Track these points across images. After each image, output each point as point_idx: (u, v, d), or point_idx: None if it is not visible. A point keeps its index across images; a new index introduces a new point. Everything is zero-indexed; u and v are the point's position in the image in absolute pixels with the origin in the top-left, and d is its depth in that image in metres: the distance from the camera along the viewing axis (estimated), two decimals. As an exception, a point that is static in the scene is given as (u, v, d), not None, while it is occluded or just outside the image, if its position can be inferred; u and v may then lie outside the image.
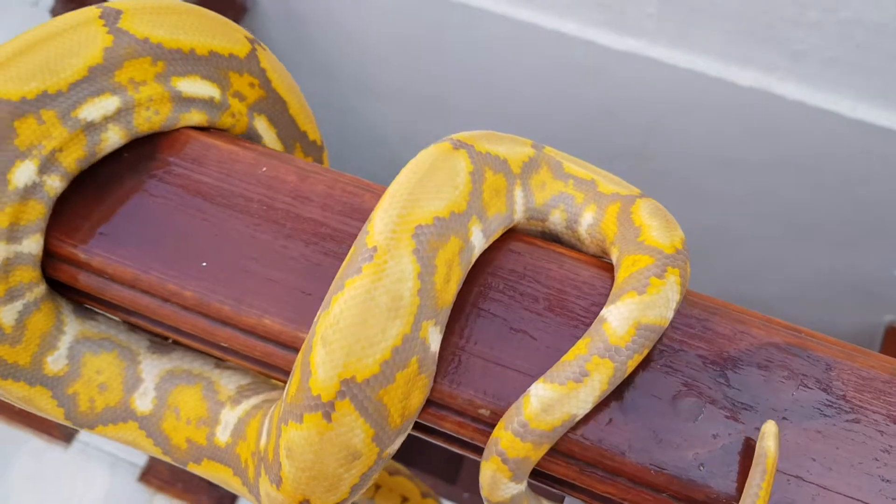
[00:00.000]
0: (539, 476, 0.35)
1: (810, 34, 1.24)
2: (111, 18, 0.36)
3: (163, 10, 0.38)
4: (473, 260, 0.34)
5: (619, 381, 0.32)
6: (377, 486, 0.80)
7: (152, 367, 0.40)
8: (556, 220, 0.37)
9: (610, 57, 1.35)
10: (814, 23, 1.23)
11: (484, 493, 0.33)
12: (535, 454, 0.32)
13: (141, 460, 1.36)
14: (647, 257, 0.33)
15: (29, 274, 0.36)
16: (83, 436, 1.41)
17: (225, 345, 0.37)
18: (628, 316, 0.31)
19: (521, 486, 0.33)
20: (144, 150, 0.39)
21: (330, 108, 1.64)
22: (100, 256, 0.37)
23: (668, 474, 0.32)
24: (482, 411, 0.33)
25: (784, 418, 0.32)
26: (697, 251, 1.63)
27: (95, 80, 0.36)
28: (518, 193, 0.35)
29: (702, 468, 0.32)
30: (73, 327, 0.38)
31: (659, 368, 0.33)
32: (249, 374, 0.41)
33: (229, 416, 0.39)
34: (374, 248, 0.30)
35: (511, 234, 0.37)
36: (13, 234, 0.35)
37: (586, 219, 0.36)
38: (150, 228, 0.37)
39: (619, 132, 1.47)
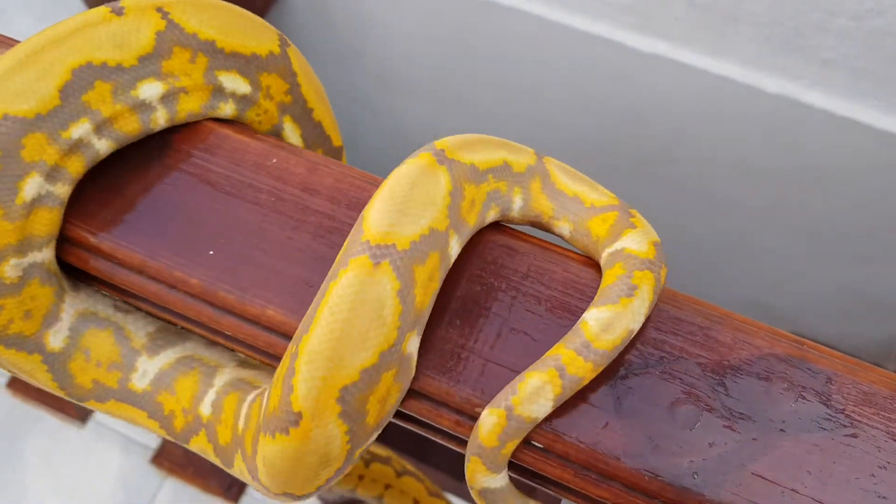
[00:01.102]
0: (535, 477, 0.35)
1: (839, 43, 1.23)
2: (283, 42, 0.42)
3: (312, 75, 0.43)
4: (414, 366, 0.33)
5: (659, 292, 0.33)
6: (416, 502, 0.80)
7: (70, 306, 0.40)
8: (491, 217, 0.36)
9: (637, 60, 1.35)
10: (843, 31, 1.22)
11: (515, 400, 0.32)
12: (590, 376, 0.32)
13: (154, 442, 1.37)
14: (609, 213, 0.35)
15: (78, 165, 0.36)
16: (98, 416, 1.43)
17: (228, 333, 0.37)
18: (641, 239, 0.33)
19: (544, 413, 0.32)
20: (162, 139, 0.40)
21: (352, 100, 1.65)
22: (109, 241, 0.38)
23: (661, 481, 0.32)
24: (479, 410, 0.34)
25: (782, 430, 0.32)
26: (716, 258, 1.62)
27: (251, 63, 0.40)
28: (453, 244, 0.33)
29: (696, 476, 0.32)
30: (46, 252, 0.37)
31: (658, 375, 0.33)
32: (152, 320, 0.42)
33: (148, 365, 0.41)
34: (300, 414, 0.30)
35: (514, 233, 0.37)
36: (102, 128, 0.36)
37: (517, 203, 0.36)
38: (160, 215, 0.38)
39: (644, 136, 1.47)
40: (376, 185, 0.38)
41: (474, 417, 0.34)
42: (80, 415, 1.41)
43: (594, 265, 0.36)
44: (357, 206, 0.38)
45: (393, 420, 0.37)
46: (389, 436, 0.82)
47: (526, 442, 0.33)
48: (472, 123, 1.60)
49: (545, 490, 0.36)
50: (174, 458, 1.34)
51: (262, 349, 0.37)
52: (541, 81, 1.48)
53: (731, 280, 1.61)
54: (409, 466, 0.80)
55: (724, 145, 1.45)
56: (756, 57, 1.31)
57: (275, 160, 0.39)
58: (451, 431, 0.35)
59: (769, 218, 1.49)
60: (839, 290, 1.50)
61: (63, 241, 0.38)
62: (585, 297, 0.35)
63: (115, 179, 0.39)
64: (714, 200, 1.55)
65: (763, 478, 0.31)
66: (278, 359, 0.37)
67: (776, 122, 1.36)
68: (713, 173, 1.50)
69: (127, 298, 0.40)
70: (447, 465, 1.45)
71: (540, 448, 0.33)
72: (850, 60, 1.25)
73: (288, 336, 0.36)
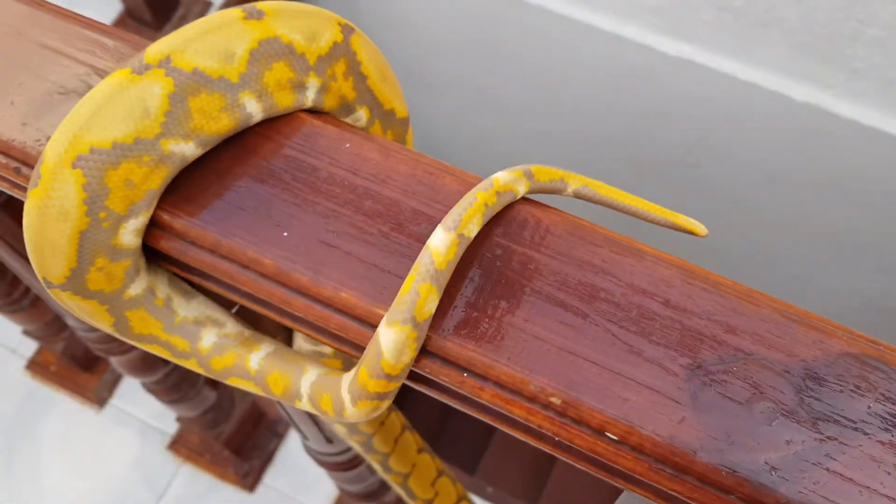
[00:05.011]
0: (605, 470, 0.35)
1: (871, 53, 1.22)
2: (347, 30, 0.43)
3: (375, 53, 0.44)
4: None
5: None
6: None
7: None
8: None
9: (664, 63, 1.34)
10: (874, 41, 1.21)
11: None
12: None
13: (171, 428, 1.37)
14: None
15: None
16: (116, 400, 1.43)
17: (300, 315, 0.37)
18: None
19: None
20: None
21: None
22: (182, 219, 0.38)
23: (739, 476, 0.32)
24: (553, 399, 0.34)
25: (860, 429, 0.32)
26: (735, 264, 1.62)
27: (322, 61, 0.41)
28: None
29: (773, 473, 0.32)
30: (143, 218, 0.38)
31: (734, 371, 0.33)
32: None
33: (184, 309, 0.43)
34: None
35: (586, 227, 0.37)
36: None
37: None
38: (234, 195, 0.38)
39: (668, 139, 1.46)
40: (450, 173, 0.38)
41: (547, 406, 0.34)
42: (98, 399, 1.41)
43: (670, 259, 0.36)
44: (429, 193, 0.38)
45: (464, 410, 0.37)
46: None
47: (599, 433, 0.34)
48: (496, 120, 1.60)
49: (613, 483, 0.36)
50: (191, 445, 1.34)
51: (332, 332, 0.37)
52: (565, 81, 1.48)
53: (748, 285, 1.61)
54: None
55: (748, 151, 1.45)
56: (785, 64, 1.30)
57: (348, 145, 0.39)
58: (522, 420, 0.35)
59: (791, 226, 1.49)
60: (861, 300, 1.50)
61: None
62: (659, 291, 0.35)
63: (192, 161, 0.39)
64: (735, 206, 1.55)
65: (841, 476, 0.31)
66: (348, 343, 0.38)
67: (802, 130, 1.36)
68: (736, 179, 1.50)
69: (195, 278, 0.40)
70: (458, 460, 1.45)
71: (614, 440, 0.33)
72: (881, 70, 1.25)
73: (361, 320, 0.36)
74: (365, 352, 0.36)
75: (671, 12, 1.30)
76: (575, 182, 0.39)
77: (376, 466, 0.75)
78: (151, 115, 0.35)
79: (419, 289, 0.34)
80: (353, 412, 0.38)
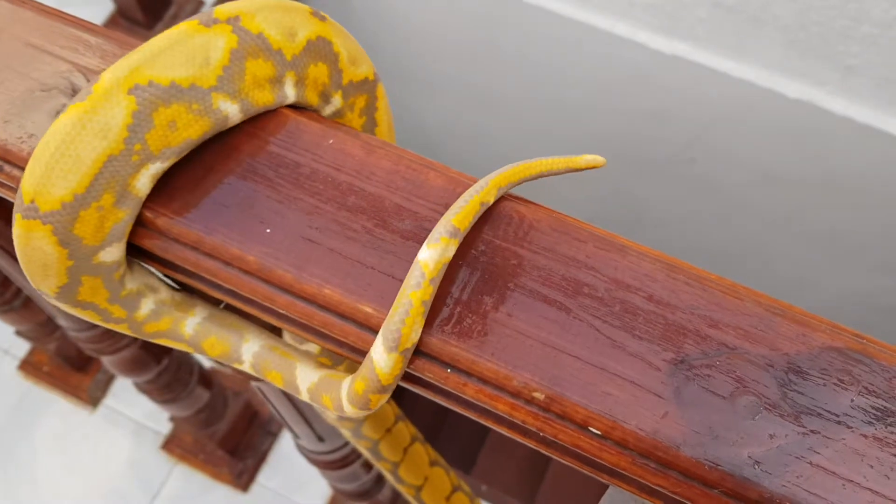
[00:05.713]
0: (589, 464, 0.35)
1: (864, 50, 1.22)
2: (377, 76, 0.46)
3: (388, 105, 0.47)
4: None
5: None
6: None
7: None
8: None
9: (659, 61, 1.34)
10: (868, 38, 1.21)
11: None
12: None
13: (165, 428, 1.37)
14: None
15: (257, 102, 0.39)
16: (109, 400, 1.43)
17: (283, 311, 0.37)
18: None
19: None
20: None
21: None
22: (165, 217, 0.38)
23: (722, 470, 0.32)
24: (537, 394, 0.34)
25: (843, 423, 0.32)
26: (731, 262, 1.62)
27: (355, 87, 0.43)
28: None
29: (756, 467, 0.32)
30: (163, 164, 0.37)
31: (718, 365, 0.33)
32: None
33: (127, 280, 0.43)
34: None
35: (570, 223, 0.37)
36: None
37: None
38: (216, 192, 0.38)
39: (664, 137, 1.46)
40: (433, 168, 0.38)
41: (531, 402, 0.34)
42: (92, 399, 1.41)
43: (655, 254, 0.36)
44: (412, 189, 0.38)
45: (448, 406, 0.37)
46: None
47: (583, 428, 0.33)
48: (493, 119, 1.60)
49: (598, 478, 0.36)
50: (185, 445, 1.34)
51: (316, 328, 0.37)
52: (561, 80, 1.48)
53: (742, 283, 1.61)
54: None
55: (743, 149, 1.45)
56: (779, 61, 1.30)
57: (332, 141, 0.39)
58: (506, 415, 0.35)
59: (786, 223, 1.49)
60: (856, 298, 1.50)
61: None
62: (643, 285, 0.35)
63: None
64: (731, 203, 1.55)
65: (824, 470, 0.31)
66: (331, 339, 0.38)
67: (796, 127, 1.36)
68: (731, 176, 1.50)
69: (179, 275, 0.40)
70: (454, 459, 1.45)
71: (598, 434, 0.33)
72: (874, 68, 1.25)
73: (345, 316, 0.36)
74: (329, 393, 0.39)
75: (667, 10, 1.30)
76: (491, 195, 0.37)
77: (388, 476, 0.75)
78: (211, 65, 0.36)
79: (371, 398, 0.36)
80: (307, 398, 0.41)
